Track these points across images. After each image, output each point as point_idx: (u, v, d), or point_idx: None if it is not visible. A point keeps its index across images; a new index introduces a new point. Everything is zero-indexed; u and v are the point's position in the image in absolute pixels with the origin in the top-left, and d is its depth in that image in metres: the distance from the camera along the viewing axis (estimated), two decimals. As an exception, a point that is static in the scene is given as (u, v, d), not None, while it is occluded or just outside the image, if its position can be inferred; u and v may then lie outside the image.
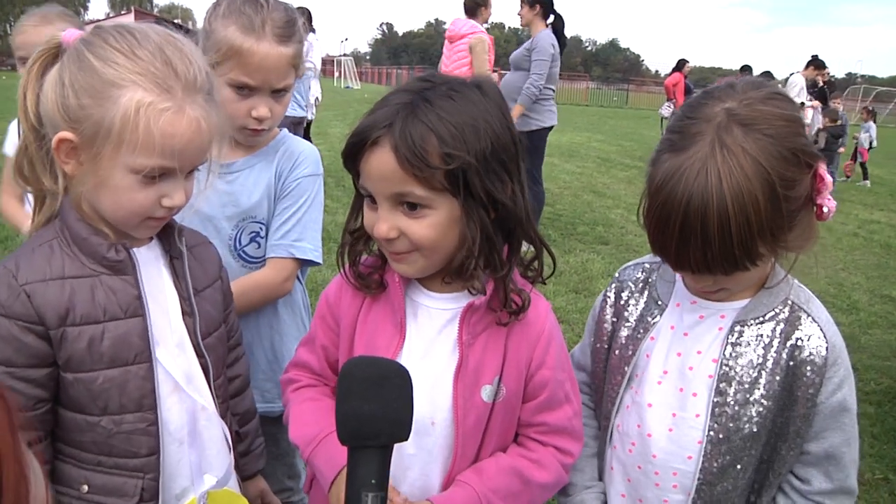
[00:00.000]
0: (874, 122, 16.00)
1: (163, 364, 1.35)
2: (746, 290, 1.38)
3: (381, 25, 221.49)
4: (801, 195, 1.24)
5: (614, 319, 1.53)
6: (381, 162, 1.23)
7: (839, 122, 12.15)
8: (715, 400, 1.35)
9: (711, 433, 1.36)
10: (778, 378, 1.33)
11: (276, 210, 1.95)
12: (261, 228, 1.96)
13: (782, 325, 1.34)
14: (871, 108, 17.07)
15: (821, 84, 13.23)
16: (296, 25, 1.84)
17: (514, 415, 1.41)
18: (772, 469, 1.39)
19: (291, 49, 1.81)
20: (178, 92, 1.23)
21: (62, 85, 1.23)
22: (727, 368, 1.35)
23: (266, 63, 1.76)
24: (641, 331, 1.47)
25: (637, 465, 1.47)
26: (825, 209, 1.27)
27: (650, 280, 1.52)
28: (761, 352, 1.34)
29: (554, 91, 6.89)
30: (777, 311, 1.36)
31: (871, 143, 14.69)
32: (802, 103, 12.92)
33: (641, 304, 1.50)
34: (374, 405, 0.98)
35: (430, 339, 1.37)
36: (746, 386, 1.34)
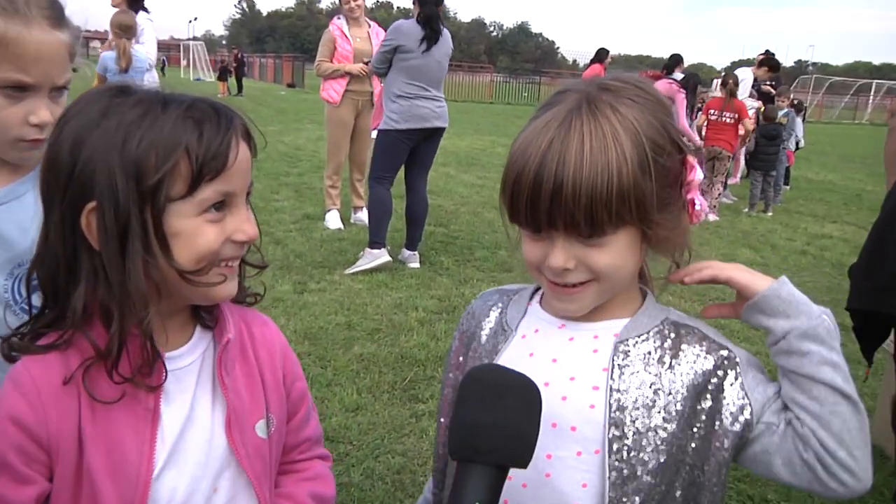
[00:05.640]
0: (803, 118, 15.63)
1: None
2: (618, 310, 1.43)
3: (239, 3, 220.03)
4: (671, 171, 1.34)
5: (464, 350, 1.61)
6: None
7: (777, 121, 12.24)
8: (612, 434, 1.33)
9: (613, 473, 1.32)
10: (682, 395, 1.35)
11: None
12: None
13: (669, 340, 1.40)
14: (795, 100, 15.60)
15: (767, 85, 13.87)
16: (63, 8, 1.79)
17: (284, 439, 1.54)
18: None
19: (67, 35, 1.76)
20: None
21: None
22: (619, 395, 1.34)
23: (44, 53, 1.69)
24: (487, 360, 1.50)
25: None
26: (697, 205, 1.40)
27: (501, 305, 1.58)
28: (654, 370, 1.37)
29: (422, 87, 6.95)
30: (660, 327, 1.41)
31: (797, 144, 14.64)
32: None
33: (488, 332, 1.55)
34: (492, 415, 1.05)
35: (188, 404, 1.38)
36: (645, 410, 1.35)
